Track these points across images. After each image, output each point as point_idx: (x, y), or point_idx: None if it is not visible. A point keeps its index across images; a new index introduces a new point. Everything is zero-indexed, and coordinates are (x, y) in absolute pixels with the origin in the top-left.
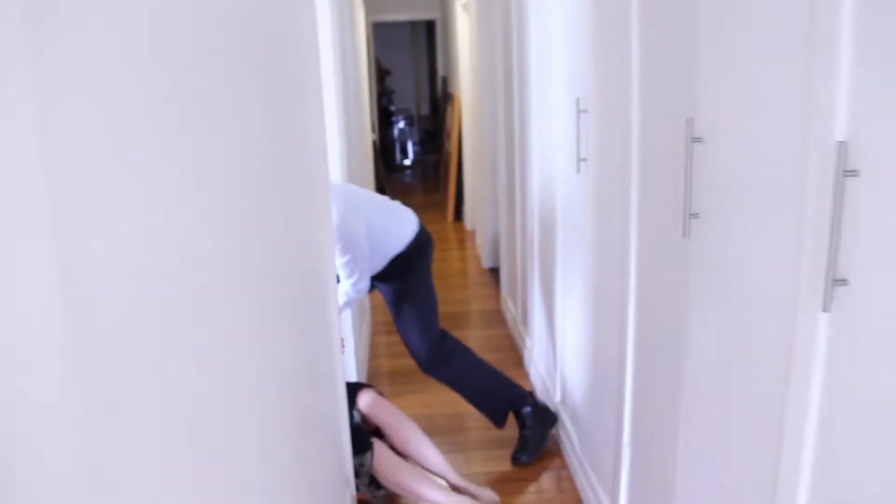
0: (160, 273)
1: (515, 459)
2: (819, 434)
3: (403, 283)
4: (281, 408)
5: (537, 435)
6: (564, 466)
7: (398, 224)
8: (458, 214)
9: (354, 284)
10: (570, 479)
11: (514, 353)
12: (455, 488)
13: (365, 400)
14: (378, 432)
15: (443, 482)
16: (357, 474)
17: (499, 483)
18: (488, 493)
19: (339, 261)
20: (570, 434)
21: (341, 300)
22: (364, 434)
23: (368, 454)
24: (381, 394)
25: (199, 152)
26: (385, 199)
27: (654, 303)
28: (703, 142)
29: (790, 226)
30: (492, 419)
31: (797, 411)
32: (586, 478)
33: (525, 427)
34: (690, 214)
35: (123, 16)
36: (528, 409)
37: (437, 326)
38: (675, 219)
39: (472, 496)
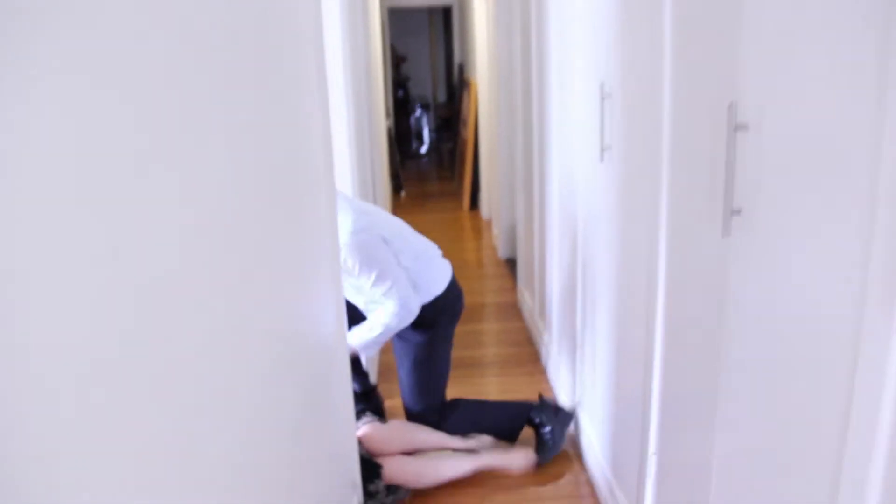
0: (146, 284)
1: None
2: (889, 459)
3: (413, 336)
4: (280, 408)
5: (554, 436)
6: (584, 470)
7: (428, 273)
8: (475, 203)
9: (398, 311)
10: (591, 484)
11: (531, 347)
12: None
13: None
14: None
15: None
16: (371, 496)
17: (516, 487)
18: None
19: (379, 290)
20: (590, 437)
21: (374, 333)
22: (369, 462)
23: (379, 483)
24: (377, 413)
25: (176, 159)
26: (422, 239)
27: (686, 306)
28: (748, 129)
29: (855, 228)
30: (503, 440)
31: (861, 437)
32: (608, 486)
33: (541, 428)
34: (732, 211)
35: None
36: (540, 415)
37: (439, 394)
38: (713, 215)
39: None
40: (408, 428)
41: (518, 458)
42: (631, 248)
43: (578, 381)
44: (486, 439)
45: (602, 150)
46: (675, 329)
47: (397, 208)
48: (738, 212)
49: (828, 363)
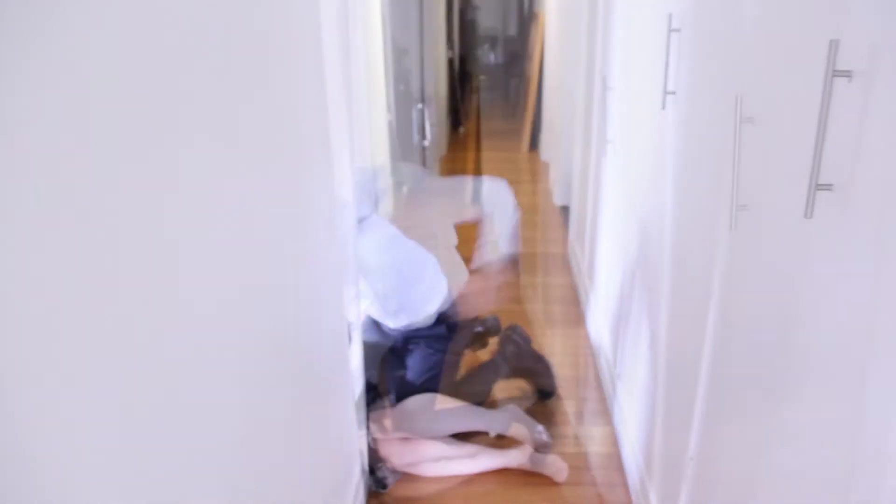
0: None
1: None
2: None
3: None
4: (278, 391)
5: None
6: (618, 453)
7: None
8: (535, 143)
9: None
10: (622, 471)
11: (576, 307)
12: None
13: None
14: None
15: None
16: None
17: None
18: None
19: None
20: (626, 419)
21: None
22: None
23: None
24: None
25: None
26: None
27: (751, 293)
28: (852, 77)
29: None
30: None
31: None
32: (640, 477)
33: (500, 346)
34: (818, 185)
35: None
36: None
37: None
38: (792, 190)
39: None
40: (415, 416)
41: (514, 456)
42: (689, 220)
43: (619, 355)
44: (512, 413)
45: (665, 95)
46: (735, 319)
47: (454, 144)
48: (827, 187)
49: None
